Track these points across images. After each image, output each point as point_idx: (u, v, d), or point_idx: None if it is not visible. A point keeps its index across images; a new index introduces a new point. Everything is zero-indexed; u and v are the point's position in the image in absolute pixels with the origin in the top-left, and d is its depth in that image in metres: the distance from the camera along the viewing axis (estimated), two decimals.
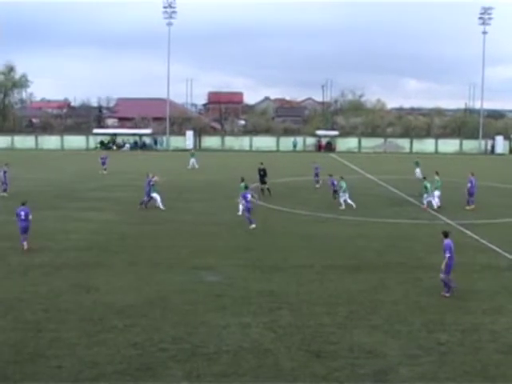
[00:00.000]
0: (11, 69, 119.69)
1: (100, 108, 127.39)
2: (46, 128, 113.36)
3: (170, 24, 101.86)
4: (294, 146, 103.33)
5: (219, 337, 16.74)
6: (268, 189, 45.11)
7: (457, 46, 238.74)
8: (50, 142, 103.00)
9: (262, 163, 46.49)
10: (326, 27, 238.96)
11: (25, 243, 26.91)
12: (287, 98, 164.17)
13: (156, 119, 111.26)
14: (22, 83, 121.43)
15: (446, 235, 20.82)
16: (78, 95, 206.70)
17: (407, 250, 27.47)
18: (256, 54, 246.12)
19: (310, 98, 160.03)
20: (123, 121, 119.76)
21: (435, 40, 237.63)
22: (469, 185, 40.49)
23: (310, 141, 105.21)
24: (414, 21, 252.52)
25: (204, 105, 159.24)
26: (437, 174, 41.17)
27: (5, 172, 46.89)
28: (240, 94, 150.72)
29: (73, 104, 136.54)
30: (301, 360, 15.35)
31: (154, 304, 19.48)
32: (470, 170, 43.06)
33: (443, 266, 20.33)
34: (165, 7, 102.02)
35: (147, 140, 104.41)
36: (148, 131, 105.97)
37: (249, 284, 21.91)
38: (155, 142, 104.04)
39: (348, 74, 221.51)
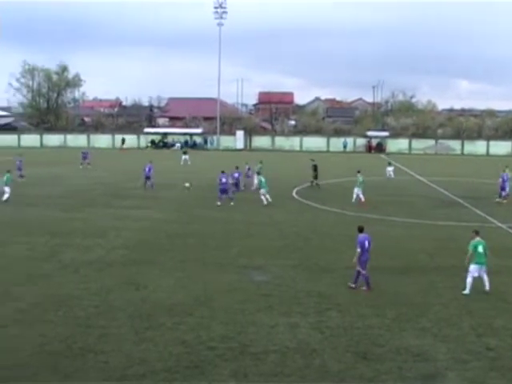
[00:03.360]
0: (64, 68, 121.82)
1: (151, 107, 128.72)
2: (97, 127, 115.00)
3: (220, 24, 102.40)
4: (344, 146, 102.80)
5: (267, 336, 16.75)
6: (317, 184, 49.18)
7: (510, 46, 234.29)
8: (102, 140, 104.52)
9: (313, 159, 51.14)
10: (377, 27, 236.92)
11: None
12: (338, 98, 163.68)
13: (206, 119, 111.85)
14: (75, 83, 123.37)
15: (360, 230, 21.56)
16: (129, 94, 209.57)
17: (457, 253, 27.00)
18: (307, 54, 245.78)
19: (360, 99, 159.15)
20: (174, 120, 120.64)
21: (488, 41, 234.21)
22: (500, 180, 44.51)
23: (360, 141, 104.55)
24: (466, 21, 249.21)
25: (254, 105, 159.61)
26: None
27: (20, 161, 54.59)
28: (290, 94, 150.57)
29: (124, 103, 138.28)
30: (348, 361, 15.27)
31: (202, 302, 19.59)
32: None
33: (354, 260, 21.13)
34: (216, 8, 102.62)
35: (197, 139, 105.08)
36: (198, 131, 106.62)
37: (297, 284, 21.88)
38: (205, 142, 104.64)
39: (399, 74, 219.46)
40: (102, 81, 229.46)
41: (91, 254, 26.12)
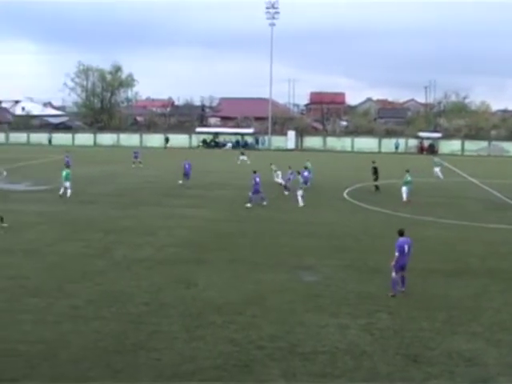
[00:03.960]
0: (118, 68, 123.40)
1: (203, 107, 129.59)
2: (150, 126, 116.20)
3: (272, 24, 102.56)
4: (396, 147, 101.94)
5: (316, 337, 16.75)
6: (377, 186, 48.03)
7: None
8: (154, 139, 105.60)
9: (374, 161, 49.74)
10: (430, 27, 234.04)
11: None
12: (389, 98, 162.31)
13: (258, 119, 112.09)
14: (128, 82, 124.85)
15: (400, 233, 20.98)
16: (181, 94, 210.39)
17: (509, 257, 26.62)
18: (359, 54, 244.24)
19: (412, 100, 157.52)
20: (225, 120, 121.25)
21: None
22: None
23: (412, 142, 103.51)
24: None
25: (306, 105, 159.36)
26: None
27: (67, 156, 57.28)
28: (342, 95, 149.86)
29: (176, 103, 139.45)
30: (398, 364, 15.17)
31: (252, 302, 19.68)
32: None
33: (392, 263, 20.45)
34: (267, 8, 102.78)
35: (249, 139, 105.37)
36: (250, 131, 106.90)
37: (347, 285, 21.81)
38: (257, 142, 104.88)
39: (452, 75, 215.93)
40: (155, 81, 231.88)
41: (142, 251, 26.48)
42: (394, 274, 20.33)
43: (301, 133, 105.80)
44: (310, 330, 17.27)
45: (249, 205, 39.01)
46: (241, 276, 22.79)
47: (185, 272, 23.23)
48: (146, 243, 28.08)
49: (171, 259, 25.26)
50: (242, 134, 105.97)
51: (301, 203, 39.36)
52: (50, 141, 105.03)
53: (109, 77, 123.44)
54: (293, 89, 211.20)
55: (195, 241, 28.91)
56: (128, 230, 31.14)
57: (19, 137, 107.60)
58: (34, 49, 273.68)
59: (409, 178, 42.98)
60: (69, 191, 42.49)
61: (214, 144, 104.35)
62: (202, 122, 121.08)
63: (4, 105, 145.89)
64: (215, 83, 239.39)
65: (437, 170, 59.60)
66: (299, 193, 39.92)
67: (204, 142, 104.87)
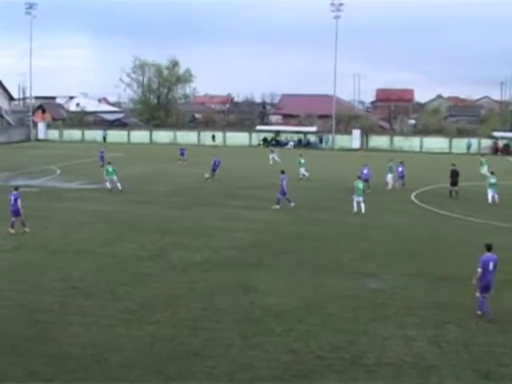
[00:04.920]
0: (175, 64, 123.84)
1: (264, 104, 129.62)
2: (208, 124, 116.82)
3: (337, 17, 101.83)
4: (468, 147, 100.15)
5: (380, 348, 16.59)
6: (456, 191, 45.83)
7: None
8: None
9: (454, 164, 47.70)
10: (506, 19, 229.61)
11: (12, 230, 29.98)
12: (461, 96, 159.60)
13: (321, 117, 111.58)
14: (186, 78, 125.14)
15: (488, 248, 19.34)
16: (241, 91, 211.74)
17: None
18: (428, 49, 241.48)
19: (486, 97, 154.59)
20: (287, 118, 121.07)
21: None
22: None
23: (486, 143, 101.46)
24: None
25: (372, 102, 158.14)
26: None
27: (102, 152, 61.32)
28: (410, 92, 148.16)
29: (236, 100, 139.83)
30: (468, 380, 14.90)
31: (313, 309, 19.62)
32: None
33: (474, 281, 19.35)
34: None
35: (312, 138, 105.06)
36: (313, 129, 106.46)
37: (414, 294, 21.54)
38: (320, 141, 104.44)
39: None
40: (214, 77, 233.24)
41: (199, 254, 26.67)
42: (478, 294, 19.30)
43: (366, 132, 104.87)
44: (373, 340, 17.13)
45: (277, 206, 39.08)
46: (301, 281, 22.75)
47: (243, 276, 23.31)
48: (203, 245, 28.29)
49: (229, 262, 25.39)
50: (305, 133, 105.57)
51: (355, 208, 37.82)
52: (104, 138, 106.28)
53: (166, 72, 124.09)
54: (358, 85, 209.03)
55: (254, 244, 28.98)
56: (184, 232, 31.43)
57: (73, 134, 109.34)
58: (89, 43, 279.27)
59: (492, 180, 42.81)
60: (118, 184, 45.61)
61: (275, 143, 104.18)
62: (263, 119, 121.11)
63: (58, 101, 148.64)
64: (277, 79, 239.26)
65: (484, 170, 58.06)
66: (359, 199, 37.99)
67: (265, 140, 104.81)
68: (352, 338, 17.23)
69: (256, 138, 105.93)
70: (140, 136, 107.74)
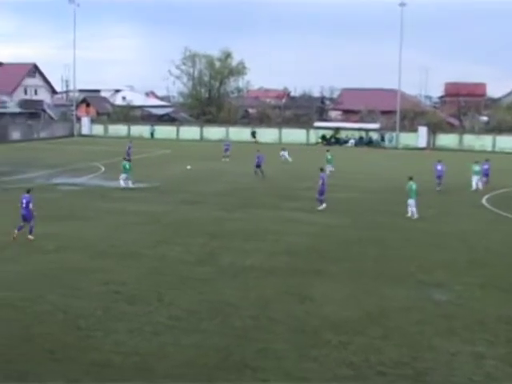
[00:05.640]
0: (228, 55, 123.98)
1: (322, 99, 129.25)
2: (262, 119, 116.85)
3: (402, 5, 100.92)
4: None
5: (447, 365, 16.36)
6: None
7: None
8: (267, 134, 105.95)
9: None
10: None
11: (16, 232, 29.37)
12: None
13: (384, 113, 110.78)
14: (239, 70, 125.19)
15: None
16: (298, 84, 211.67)
17: None
18: (504, 39, 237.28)
19: None
20: (348, 114, 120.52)
21: None
22: None
23: None
24: None
25: (440, 97, 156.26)
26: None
27: (129, 146, 63.75)
28: (482, 86, 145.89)
29: (293, 94, 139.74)
30: None
31: (374, 321, 19.47)
32: None
33: None
34: None
35: (374, 136, 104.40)
36: (375, 126, 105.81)
37: (484, 306, 21.21)
38: (382, 139, 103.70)
39: None
40: (269, 69, 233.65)
41: (251, 259, 26.72)
42: None
43: (433, 129, 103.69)
44: (439, 356, 16.91)
45: (321, 207, 39.17)
46: (362, 290, 22.60)
47: (298, 284, 23.26)
48: (255, 250, 28.34)
49: (283, 269, 25.36)
50: (367, 130, 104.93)
51: (409, 214, 37.28)
52: (152, 134, 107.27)
53: (218, 64, 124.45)
54: (425, 78, 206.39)
55: (311, 249, 28.91)
56: (235, 235, 31.53)
57: (119, 129, 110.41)
58: (136, 33, 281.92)
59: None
60: (129, 182, 46.85)
61: (334, 140, 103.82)
62: (322, 115, 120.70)
63: (103, 94, 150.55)
64: (337, 72, 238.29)
65: None
66: (411, 202, 37.25)
67: (323, 138, 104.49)
68: (416, 353, 17.04)
69: (314, 136, 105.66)
70: (190, 132, 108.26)
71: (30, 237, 29.35)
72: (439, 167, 48.80)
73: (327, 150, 61.35)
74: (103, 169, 58.85)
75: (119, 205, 39.62)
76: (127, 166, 47.26)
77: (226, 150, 70.87)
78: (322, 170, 41.10)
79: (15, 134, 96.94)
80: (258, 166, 55.00)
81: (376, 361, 16.46)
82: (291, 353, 16.83)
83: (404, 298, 21.80)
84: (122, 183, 46.81)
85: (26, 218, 29.56)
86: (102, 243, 29.20)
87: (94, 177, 53.53)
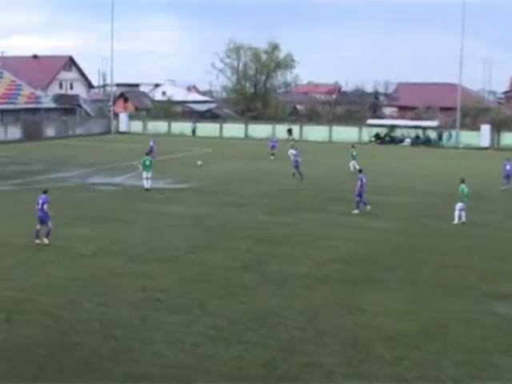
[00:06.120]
0: (275, 47, 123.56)
1: (376, 94, 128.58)
2: (311, 116, 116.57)
3: None
4: None
5: None
6: None
7: None
8: (316, 132, 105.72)
9: None
10: None
11: (37, 240, 29.24)
12: None
13: (443, 109, 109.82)
14: (287, 63, 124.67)
15: None
16: (350, 78, 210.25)
17: None
18: None
19: None
20: (403, 110, 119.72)
21: None
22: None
23: None
24: None
25: (505, 92, 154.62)
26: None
27: (152, 143, 66.00)
28: None
29: (344, 89, 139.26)
30: None
31: (431, 335, 19.31)
32: None
33: None
34: None
35: (431, 134, 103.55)
36: (433, 124, 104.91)
37: None
38: (440, 137, 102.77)
39: None
40: (319, 62, 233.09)
41: (299, 266, 26.70)
42: None
43: (497, 127, 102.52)
44: (502, 375, 16.73)
45: (356, 211, 39.15)
46: (418, 301, 22.45)
47: (348, 293, 23.19)
48: (303, 256, 28.32)
49: (333, 277, 25.31)
50: (424, 128, 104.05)
51: (456, 220, 36.78)
52: (193, 131, 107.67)
53: (264, 57, 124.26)
54: (488, 72, 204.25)
55: (364, 256, 28.81)
56: (283, 240, 31.54)
57: (159, 126, 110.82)
58: (177, 24, 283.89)
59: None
60: (148, 182, 46.72)
61: (388, 139, 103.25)
62: (375, 112, 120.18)
63: (142, 88, 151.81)
64: (392, 65, 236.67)
65: None
66: (460, 206, 36.77)
67: (377, 136, 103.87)
68: (476, 371, 16.87)
69: (367, 134, 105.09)
70: (234, 129, 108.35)
71: (46, 240, 29.40)
72: (508, 167, 48.44)
73: (352, 146, 63.71)
74: (141, 168, 59.14)
75: (158, 206, 39.90)
76: (147, 163, 47.06)
77: (273, 147, 71.26)
78: (360, 171, 41.18)
79: (49, 131, 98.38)
80: (296, 166, 54.73)
81: (433, 378, 16.33)
82: (340, 368, 16.79)
83: (464, 311, 21.60)
84: (145, 183, 46.86)
85: (43, 219, 29.60)
86: (140, 247, 29.44)
87: (131, 176, 53.92)
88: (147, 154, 50.19)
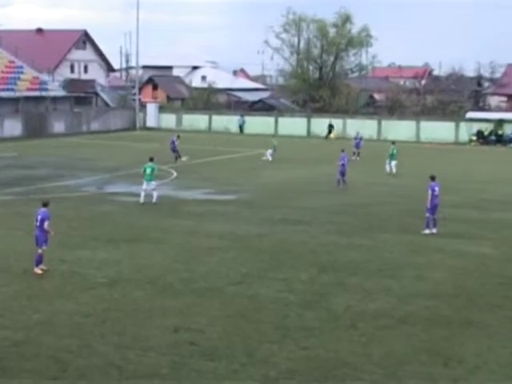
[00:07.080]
0: (347, 19, 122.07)
1: (479, 80, 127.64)
2: (394, 108, 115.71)
3: None
4: None
5: None
6: None
7: None
8: (400, 128, 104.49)
9: None
10: None
11: (36, 269, 28.87)
12: None
13: None
14: (362, 41, 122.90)
15: None
16: (444, 60, 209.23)
17: None
18: None
19: None
20: None
21: None
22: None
23: None
24: None
25: None
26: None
27: (173, 141, 69.25)
28: None
29: (436, 73, 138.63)
30: None
31: None
32: None
33: None
34: None
35: None
36: None
37: None
38: None
39: None
40: (404, 39, 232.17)
41: (376, 302, 26.57)
42: None
43: None
44: None
45: (427, 231, 38.78)
46: None
47: (441, 338, 22.98)
48: (382, 289, 28.20)
49: (421, 317, 25.13)
50: None
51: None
52: (241, 127, 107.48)
53: (332, 32, 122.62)
54: None
55: (459, 290, 28.57)
56: (354, 268, 31.42)
57: (196, 120, 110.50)
58: None
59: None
60: (155, 194, 45.82)
61: (495, 138, 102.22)
62: (478, 102, 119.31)
63: (175, 72, 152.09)
64: (500, 42, 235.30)
65: None
66: None
67: (479, 134, 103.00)
68: None
69: (466, 131, 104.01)
70: (293, 125, 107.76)
71: (37, 270, 29.05)
72: None
73: (392, 143, 66.42)
74: (175, 174, 59.51)
75: (195, 223, 40.00)
76: (148, 171, 45.84)
77: (357, 144, 72.76)
78: (432, 178, 39.90)
79: (58, 126, 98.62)
80: (343, 173, 55.16)
81: None
82: None
83: None
84: (141, 197, 45.99)
85: (37, 240, 29.15)
86: (170, 275, 29.51)
87: (161, 184, 53.90)
88: (151, 160, 47.21)
